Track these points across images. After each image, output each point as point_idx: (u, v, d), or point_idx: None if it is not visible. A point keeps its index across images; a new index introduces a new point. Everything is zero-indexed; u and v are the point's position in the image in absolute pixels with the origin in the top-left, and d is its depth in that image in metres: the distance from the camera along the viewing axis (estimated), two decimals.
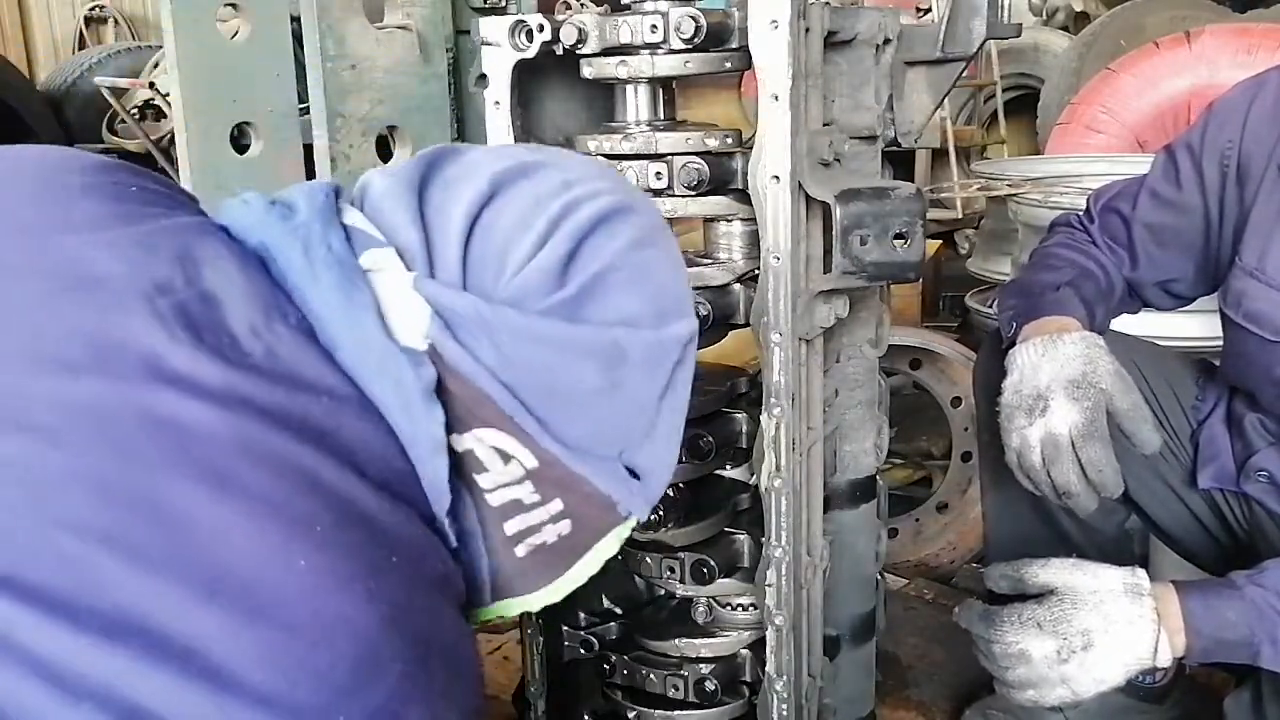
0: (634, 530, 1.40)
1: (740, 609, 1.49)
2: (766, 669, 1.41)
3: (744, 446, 1.46)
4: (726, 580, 1.46)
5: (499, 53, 1.34)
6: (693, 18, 1.25)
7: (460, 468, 0.87)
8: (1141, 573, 1.38)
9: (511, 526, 0.91)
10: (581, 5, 1.33)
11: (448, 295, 0.84)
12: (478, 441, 0.87)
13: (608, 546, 0.99)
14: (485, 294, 0.85)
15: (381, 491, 0.80)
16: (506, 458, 0.88)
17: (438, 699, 0.79)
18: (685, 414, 0.99)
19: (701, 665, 1.50)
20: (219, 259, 0.83)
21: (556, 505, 0.92)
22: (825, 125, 1.36)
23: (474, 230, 0.86)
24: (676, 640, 1.51)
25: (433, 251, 0.86)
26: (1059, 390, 1.44)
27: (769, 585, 1.36)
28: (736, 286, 1.38)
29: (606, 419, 0.91)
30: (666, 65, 1.30)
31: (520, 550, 0.93)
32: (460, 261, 0.85)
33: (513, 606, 0.98)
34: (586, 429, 0.90)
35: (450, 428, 0.85)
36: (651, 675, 1.52)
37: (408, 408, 0.82)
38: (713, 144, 1.34)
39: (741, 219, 1.38)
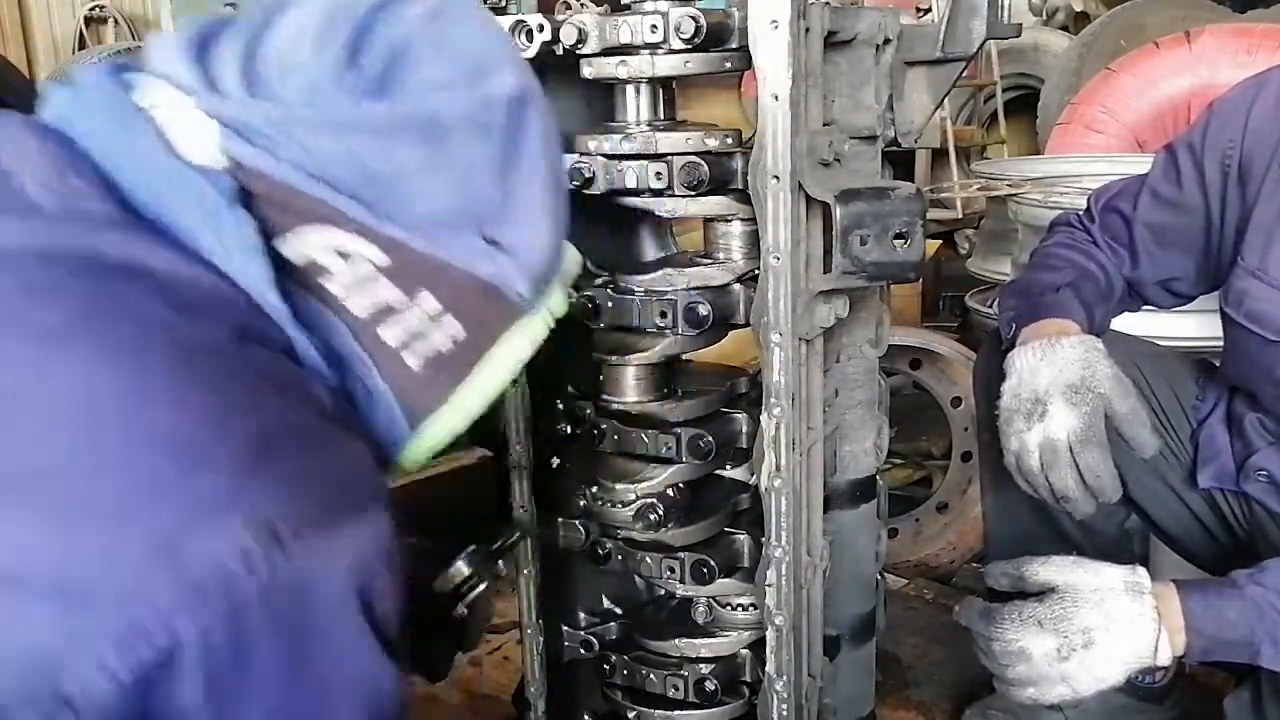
0: (634, 530, 1.41)
1: (740, 609, 1.49)
2: (766, 669, 1.41)
3: (744, 446, 1.46)
4: (726, 580, 1.46)
5: None
6: (693, 18, 1.25)
7: (305, 280, 0.85)
8: (1142, 571, 1.38)
9: (391, 335, 0.88)
10: (581, 5, 1.33)
11: (233, 107, 0.82)
12: (308, 245, 0.84)
13: (515, 346, 0.95)
14: (273, 99, 0.83)
15: (191, 311, 0.78)
16: (346, 255, 0.85)
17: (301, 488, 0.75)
18: (553, 183, 0.94)
19: (701, 665, 1.50)
20: (18, 139, 0.84)
21: (430, 301, 0.88)
22: (825, 125, 1.36)
23: (250, 53, 0.84)
24: (676, 640, 1.51)
25: (213, 80, 0.84)
26: (1057, 395, 1.44)
27: (769, 585, 1.36)
28: (736, 286, 1.38)
29: (444, 194, 0.87)
30: (666, 65, 1.30)
31: (412, 361, 0.89)
32: (241, 81, 0.83)
33: (435, 434, 0.94)
34: (425, 208, 0.87)
35: (271, 235, 0.83)
36: (651, 675, 1.51)
37: (211, 221, 0.81)
38: (713, 144, 1.34)
39: (741, 219, 1.38)
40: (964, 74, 1.59)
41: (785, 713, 1.41)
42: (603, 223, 1.53)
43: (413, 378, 0.90)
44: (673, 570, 1.45)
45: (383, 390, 0.90)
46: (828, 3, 1.31)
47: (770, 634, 1.39)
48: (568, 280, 1.03)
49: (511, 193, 0.91)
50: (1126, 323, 1.76)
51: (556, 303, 0.99)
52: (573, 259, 1.04)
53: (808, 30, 1.25)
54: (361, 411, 0.91)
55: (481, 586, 1.32)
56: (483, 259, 0.90)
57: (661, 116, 1.41)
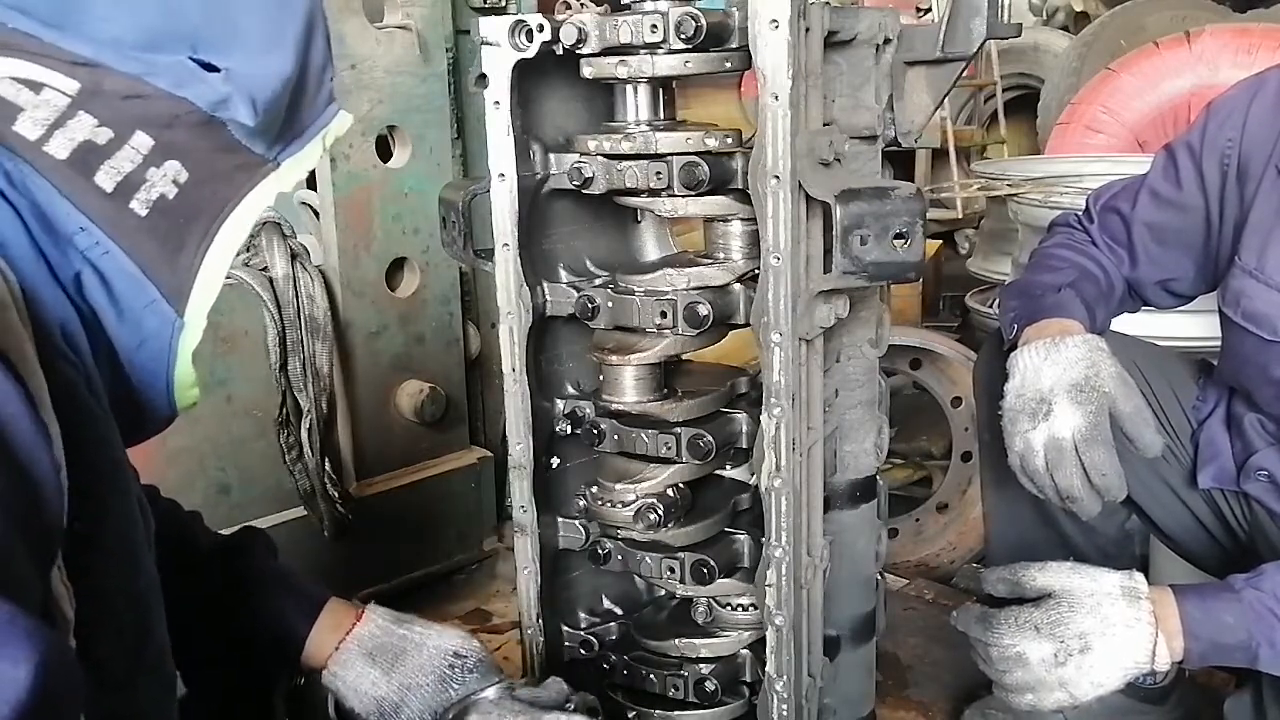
0: (634, 530, 1.41)
1: (740, 609, 1.49)
2: (766, 669, 1.41)
3: (744, 446, 1.46)
4: (726, 580, 1.45)
5: (499, 53, 1.34)
6: (693, 17, 1.25)
7: None
8: (1139, 576, 1.37)
9: (105, 179, 0.80)
10: (581, 5, 1.33)
11: None
12: None
13: (256, 196, 0.87)
14: None
15: None
16: (36, 86, 0.77)
17: None
18: (298, 13, 0.87)
19: (701, 665, 1.50)
20: None
21: (140, 138, 0.80)
22: (825, 125, 1.36)
23: None
24: (676, 640, 1.51)
25: None
26: (1062, 394, 1.44)
27: (769, 585, 1.36)
28: (736, 286, 1.38)
29: (147, 8, 0.80)
30: (666, 65, 1.30)
31: (138, 207, 0.81)
32: None
33: (200, 312, 0.86)
34: (120, 26, 0.78)
35: None
36: (651, 675, 1.51)
37: None
38: (713, 144, 1.34)
39: (741, 219, 1.38)
40: (964, 74, 1.59)
41: (785, 713, 1.41)
42: (603, 222, 1.53)
43: (146, 231, 0.82)
44: (673, 570, 1.45)
45: (124, 262, 0.81)
46: (828, 3, 1.31)
47: (770, 634, 1.39)
48: (331, 137, 0.94)
49: (229, 10, 0.83)
50: (1127, 323, 1.76)
51: (309, 154, 0.90)
52: (341, 119, 0.95)
53: (808, 30, 1.25)
54: (107, 323, 0.82)
55: None
56: (192, 80, 0.81)
57: (661, 116, 1.41)
